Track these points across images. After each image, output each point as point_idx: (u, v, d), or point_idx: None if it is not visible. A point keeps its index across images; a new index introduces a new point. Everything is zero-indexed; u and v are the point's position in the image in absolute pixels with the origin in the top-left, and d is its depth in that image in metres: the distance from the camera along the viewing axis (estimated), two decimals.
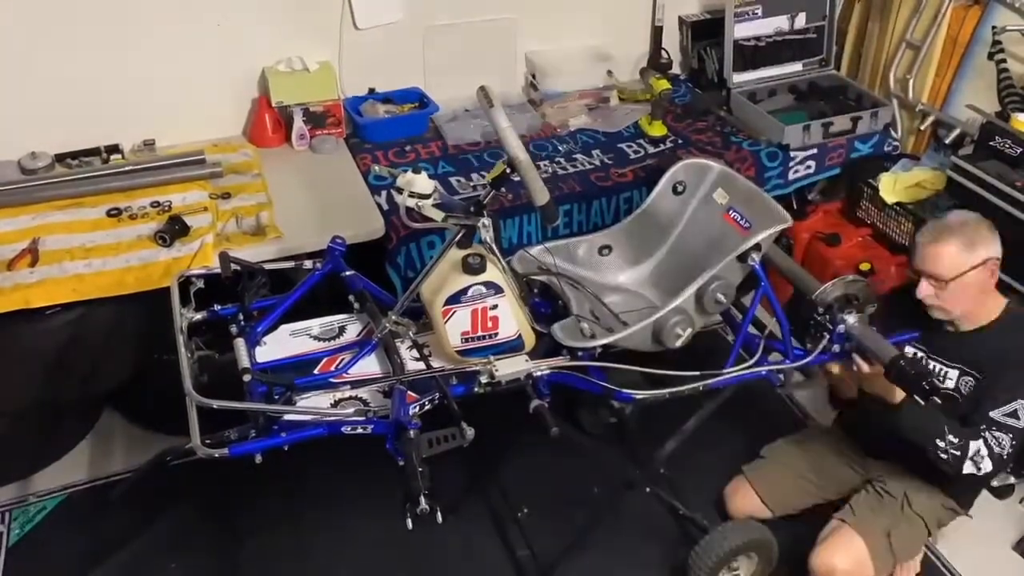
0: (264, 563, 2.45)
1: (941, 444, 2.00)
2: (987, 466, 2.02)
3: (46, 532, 2.52)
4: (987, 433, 2.03)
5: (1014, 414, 2.03)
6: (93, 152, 2.73)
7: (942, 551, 2.48)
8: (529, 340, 1.98)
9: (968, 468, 2.02)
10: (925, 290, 2.10)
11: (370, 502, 2.55)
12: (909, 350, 2.21)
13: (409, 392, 1.84)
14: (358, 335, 2.05)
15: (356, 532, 2.51)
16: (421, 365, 1.93)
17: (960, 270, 2.04)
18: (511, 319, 1.91)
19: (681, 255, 2.27)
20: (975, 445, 2.01)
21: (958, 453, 2.00)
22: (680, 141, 3.05)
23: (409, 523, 1.68)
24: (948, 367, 2.18)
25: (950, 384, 2.17)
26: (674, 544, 2.44)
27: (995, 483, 2.63)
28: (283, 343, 2.01)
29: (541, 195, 1.86)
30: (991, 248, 2.07)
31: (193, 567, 2.42)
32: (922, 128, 3.09)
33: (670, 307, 2.01)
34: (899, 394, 2.05)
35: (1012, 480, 2.62)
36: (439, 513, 1.68)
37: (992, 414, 2.04)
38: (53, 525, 2.54)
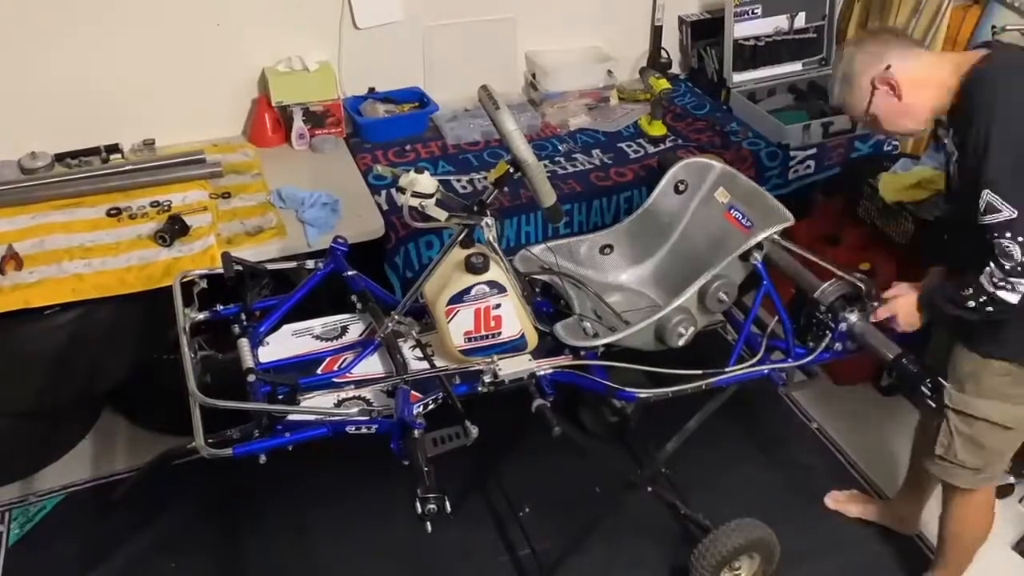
0: (265, 563, 2.44)
1: (970, 303, 1.80)
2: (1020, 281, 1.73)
3: (46, 532, 2.51)
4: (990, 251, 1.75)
5: (989, 208, 1.71)
6: (93, 152, 2.72)
7: None
8: (532, 339, 1.98)
9: (1007, 295, 1.74)
10: (869, 126, 2.03)
11: (371, 501, 2.55)
12: None
13: (413, 391, 1.84)
14: (361, 335, 2.05)
15: (357, 531, 2.51)
16: (424, 364, 1.93)
17: (862, 106, 1.93)
18: (514, 318, 1.91)
19: (683, 254, 2.27)
20: (985, 274, 1.76)
21: (983, 296, 1.77)
22: (680, 140, 3.05)
23: (428, 526, 1.65)
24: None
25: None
26: (675, 544, 2.44)
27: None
28: (286, 343, 2.00)
29: (548, 197, 1.88)
30: (871, 67, 1.88)
31: (193, 568, 2.42)
32: None
33: (672, 306, 2.01)
34: (914, 311, 2.01)
35: (1012, 480, 2.62)
36: (447, 503, 1.64)
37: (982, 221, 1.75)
38: (53, 525, 2.53)
